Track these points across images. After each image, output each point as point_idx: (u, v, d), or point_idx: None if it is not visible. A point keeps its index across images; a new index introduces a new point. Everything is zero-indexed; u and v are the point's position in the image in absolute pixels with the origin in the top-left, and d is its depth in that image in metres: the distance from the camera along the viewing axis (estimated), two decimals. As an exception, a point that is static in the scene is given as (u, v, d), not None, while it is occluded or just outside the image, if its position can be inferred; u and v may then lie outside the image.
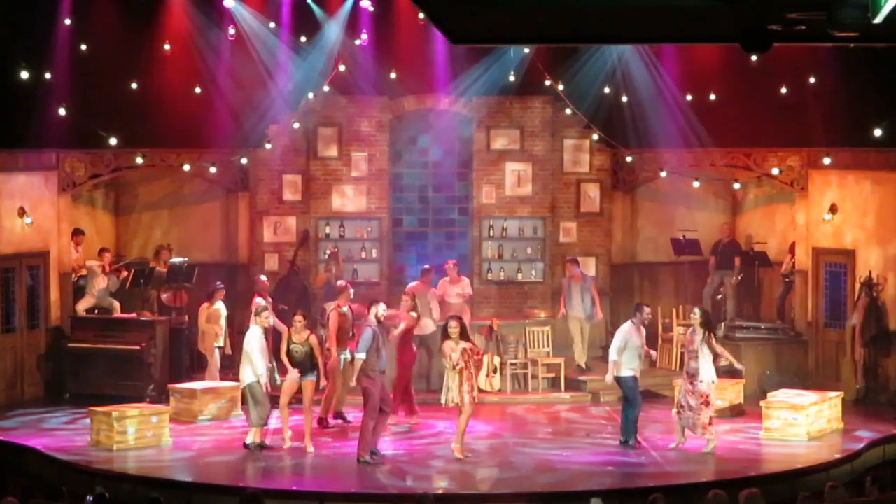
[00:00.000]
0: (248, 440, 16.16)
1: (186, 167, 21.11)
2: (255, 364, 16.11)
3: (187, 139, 21.25)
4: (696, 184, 21.87)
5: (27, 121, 19.29)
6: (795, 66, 20.06)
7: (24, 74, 18.72)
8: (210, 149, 21.40)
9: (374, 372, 15.71)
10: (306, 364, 16.44)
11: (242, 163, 21.59)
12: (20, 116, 19.17)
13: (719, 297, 21.89)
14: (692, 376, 16.31)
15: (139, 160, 20.75)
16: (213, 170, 21.23)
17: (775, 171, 20.94)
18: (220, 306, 19.25)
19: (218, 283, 19.56)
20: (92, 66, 20.29)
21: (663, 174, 22.03)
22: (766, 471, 15.55)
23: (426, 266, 20.48)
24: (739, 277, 21.73)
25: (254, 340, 16.23)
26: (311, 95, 21.43)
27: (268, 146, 21.56)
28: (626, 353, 16.51)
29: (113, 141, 19.82)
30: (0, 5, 18.89)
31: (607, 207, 22.44)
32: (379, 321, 15.94)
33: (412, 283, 20.01)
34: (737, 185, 22.28)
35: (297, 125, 21.64)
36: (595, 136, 21.98)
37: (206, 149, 21.40)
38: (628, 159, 22.11)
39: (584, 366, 20.25)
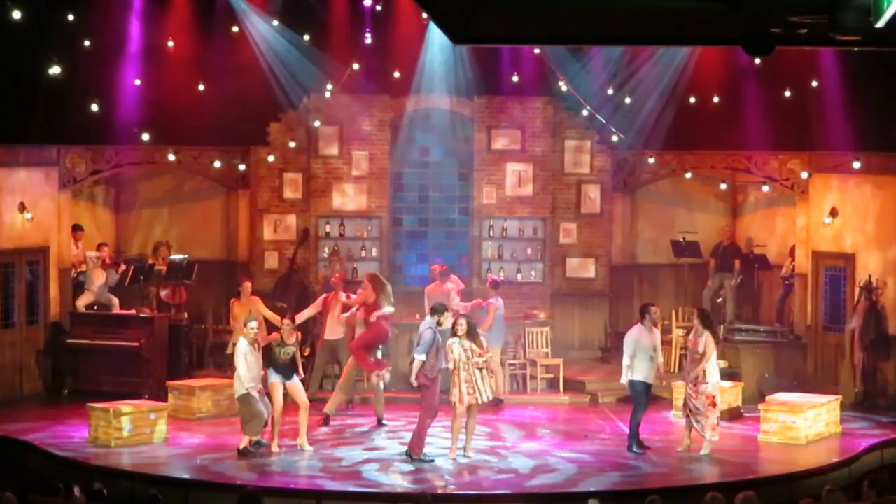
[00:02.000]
0: (241, 446, 16.09)
1: (217, 164, 21.20)
2: (241, 377, 16.11)
3: (188, 137, 21.26)
4: (723, 186, 21.97)
5: (29, 116, 19.28)
6: (797, 69, 20.08)
7: (56, 69, 18.55)
8: (211, 146, 21.46)
9: (433, 373, 15.83)
10: (292, 367, 16.39)
11: (270, 160, 21.61)
12: (21, 112, 19.16)
13: (719, 300, 21.89)
14: (695, 379, 16.28)
15: (171, 157, 20.75)
16: (242, 167, 21.43)
17: (805, 175, 20.76)
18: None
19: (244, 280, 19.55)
20: (95, 63, 20.29)
21: (688, 175, 22.02)
22: (764, 473, 15.54)
23: (444, 267, 20.41)
24: (739, 279, 21.73)
25: (240, 353, 16.20)
26: (328, 94, 21.40)
27: (292, 144, 21.60)
28: (637, 357, 16.42)
29: (146, 137, 19.79)
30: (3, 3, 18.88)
31: (607, 208, 22.43)
32: (440, 324, 16.03)
33: (430, 285, 20.02)
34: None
35: (318, 123, 21.62)
36: (614, 138, 21.88)
37: (206, 146, 21.46)
38: (651, 160, 22.06)
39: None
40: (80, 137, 20.32)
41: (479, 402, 15.90)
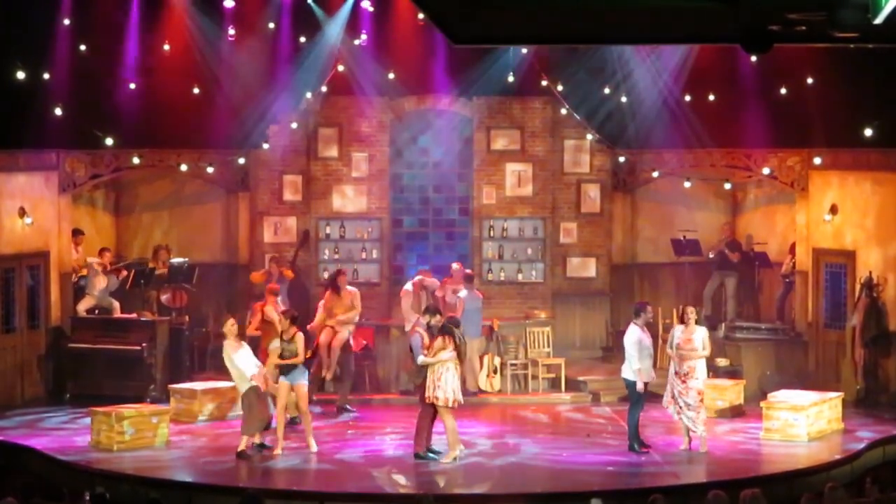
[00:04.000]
0: (240, 448, 16.07)
1: (184, 167, 21.17)
2: (236, 377, 16.15)
3: (187, 139, 21.26)
4: (687, 184, 21.90)
5: (27, 121, 19.27)
6: (794, 66, 20.07)
7: (21, 74, 18.62)
8: (210, 149, 21.45)
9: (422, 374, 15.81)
10: (293, 365, 16.27)
11: (240, 163, 21.62)
12: (20, 116, 19.15)
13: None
14: (686, 375, 16.30)
15: (136, 160, 20.79)
16: (210, 170, 21.30)
17: (766, 171, 20.91)
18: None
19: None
20: (91, 67, 20.28)
21: (655, 174, 22.06)
22: (766, 471, 15.54)
23: (422, 267, 20.49)
24: (713, 255, 21.70)
25: (226, 355, 16.21)
26: (309, 95, 21.43)
27: (265, 146, 21.60)
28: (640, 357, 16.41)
29: (109, 141, 19.81)
30: (0, 5, 18.87)
31: (607, 208, 22.44)
32: (430, 326, 16.02)
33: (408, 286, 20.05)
34: (728, 185, 22.23)
35: (295, 125, 21.64)
36: (589, 136, 21.95)
37: (205, 149, 21.45)
38: (621, 159, 22.10)
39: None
40: (79, 142, 20.29)
41: (436, 402, 15.69)
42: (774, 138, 20.92)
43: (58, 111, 19.26)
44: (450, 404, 15.59)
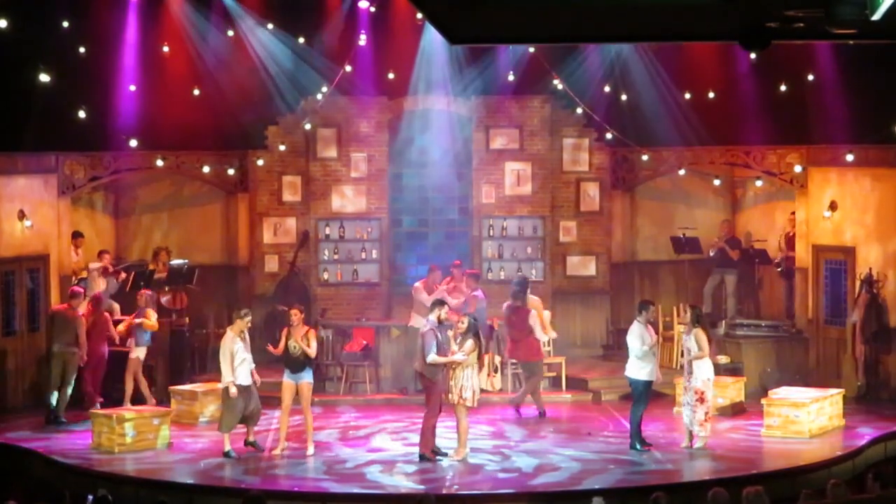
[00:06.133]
0: (225, 448, 16.10)
1: (206, 169, 21.19)
2: (222, 371, 16.12)
3: (186, 142, 21.26)
4: (716, 182, 21.92)
5: (26, 124, 19.27)
6: (794, 63, 20.08)
7: (47, 77, 18.50)
8: (209, 151, 21.46)
9: (435, 375, 15.80)
10: (302, 362, 16.26)
11: (259, 164, 21.59)
12: (19, 119, 19.15)
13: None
14: (689, 374, 16.35)
15: (159, 162, 20.77)
16: (231, 171, 21.44)
17: (798, 169, 20.76)
18: None
19: None
20: (90, 69, 20.27)
21: (682, 172, 22.02)
22: (768, 468, 15.56)
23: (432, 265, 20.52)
24: (713, 253, 21.72)
25: (224, 346, 16.21)
26: (320, 96, 21.40)
27: (282, 147, 21.60)
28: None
29: (133, 143, 19.75)
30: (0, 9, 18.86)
31: (607, 206, 22.42)
32: (440, 322, 15.99)
33: (417, 282, 20.02)
34: (759, 182, 22.17)
35: (308, 126, 21.61)
36: (609, 136, 21.88)
37: (204, 151, 21.45)
38: (644, 158, 22.03)
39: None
40: (78, 144, 20.29)
41: (452, 402, 15.78)
42: (773, 135, 20.92)
43: (81, 114, 19.13)
44: (473, 404, 15.77)
